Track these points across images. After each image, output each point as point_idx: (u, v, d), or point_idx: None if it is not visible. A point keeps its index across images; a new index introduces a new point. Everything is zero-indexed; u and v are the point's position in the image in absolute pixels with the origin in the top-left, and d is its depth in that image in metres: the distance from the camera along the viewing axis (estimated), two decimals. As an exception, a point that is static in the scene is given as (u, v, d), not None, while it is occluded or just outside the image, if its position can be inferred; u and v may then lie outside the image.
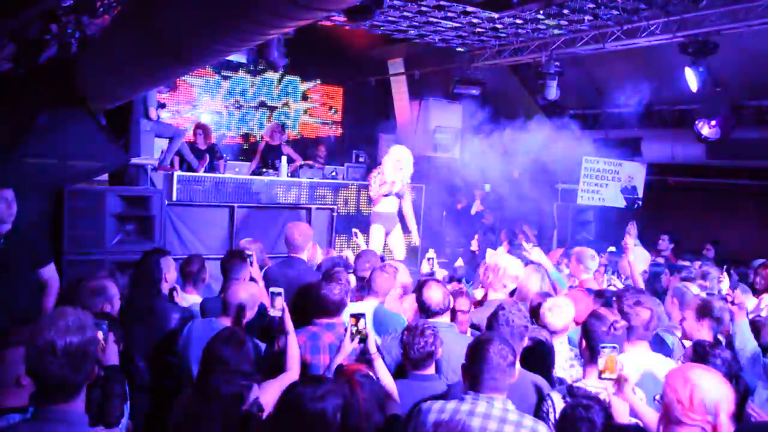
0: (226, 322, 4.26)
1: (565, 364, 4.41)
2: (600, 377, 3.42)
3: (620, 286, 6.49)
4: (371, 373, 3.54)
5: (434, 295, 4.40)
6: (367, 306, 4.97)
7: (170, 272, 5.27)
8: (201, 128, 10.68)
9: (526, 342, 4.04)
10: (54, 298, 5.33)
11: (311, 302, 4.37)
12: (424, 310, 4.42)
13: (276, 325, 4.15)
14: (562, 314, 4.54)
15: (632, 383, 3.38)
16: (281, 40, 9.29)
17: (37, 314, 5.10)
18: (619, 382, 3.38)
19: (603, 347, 3.45)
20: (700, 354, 3.82)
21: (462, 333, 4.65)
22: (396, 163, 8.20)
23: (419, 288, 4.52)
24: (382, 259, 6.20)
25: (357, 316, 3.84)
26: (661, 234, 10.23)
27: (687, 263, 8.09)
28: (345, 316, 4.20)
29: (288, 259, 5.88)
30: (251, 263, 5.31)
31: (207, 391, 3.05)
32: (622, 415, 3.35)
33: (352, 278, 5.86)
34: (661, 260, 8.80)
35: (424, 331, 3.77)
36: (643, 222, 10.04)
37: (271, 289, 4.06)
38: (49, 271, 5.33)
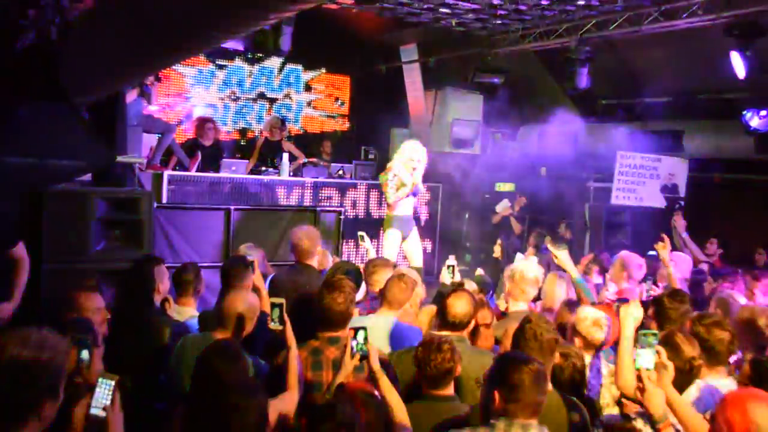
0: (224, 335, 4.27)
1: (605, 380, 4.40)
2: (636, 366, 3.41)
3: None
4: (377, 393, 3.54)
5: (459, 304, 4.39)
6: (381, 319, 4.97)
7: (163, 282, 5.29)
8: (211, 122, 10.70)
9: (556, 358, 4.04)
10: (26, 277, 5.60)
11: (313, 314, 4.36)
12: (446, 321, 4.41)
13: (275, 339, 4.16)
14: (608, 328, 4.57)
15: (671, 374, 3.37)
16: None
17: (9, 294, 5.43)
18: (658, 371, 3.37)
19: (643, 335, 3.44)
20: (760, 372, 3.73)
21: (486, 349, 4.64)
22: (409, 162, 8.16)
23: (445, 297, 4.51)
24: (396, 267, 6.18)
25: (356, 330, 3.83)
26: (711, 237, 10.16)
27: (737, 270, 8.04)
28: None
29: (296, 266, 5.90)
30: (253, 270, 5.32)
31: (225, 406, 3.00)
32: (657, 410, 3.34)
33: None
34: (704, 267, 8.74)
35: (440, 346, 3.75)
36: (686, 224, 10.01)
37: (271, 300, 4.06)
38: (20, 250, 5.62)
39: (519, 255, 7.45)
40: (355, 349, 3.80)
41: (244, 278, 5.20)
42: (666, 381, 3.36)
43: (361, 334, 3.82)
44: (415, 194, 8.37)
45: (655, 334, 3.46)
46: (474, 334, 4.67)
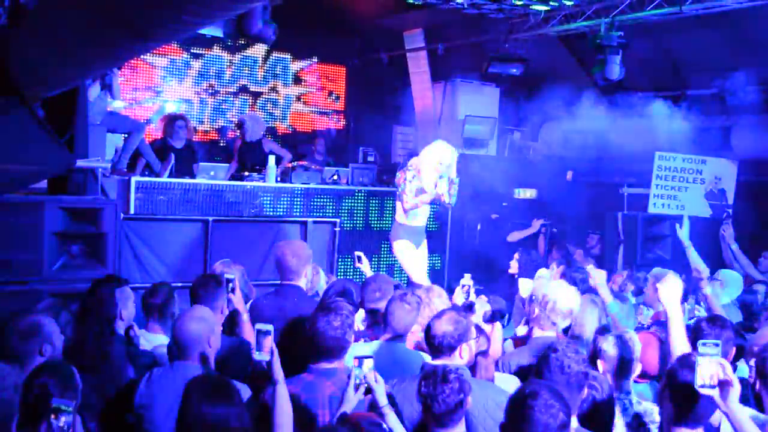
0: (193, 365, 4.27)
1: (634, 422, 4.38)
2: (700, 386, 3.39)
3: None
4: (384, 424, 3.53)
5: (438, 324, 4.42)
6: (384, 347, 4.96)
7: (127, 307, 5.27)
8: (183, 119, 10.69)
9: (585, 393, 4.03)
10: None
11: (304, 342, 4.34)
12: (429, 344, 4.46)
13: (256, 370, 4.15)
14: (633, 345, 4.59)
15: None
16: (267, 7, 9.31)
17: None
18: (723, 388, 3.35)
19: (703, 344, 3.41)
20: None
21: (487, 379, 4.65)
22: (438, 167, 7.98)
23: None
24: (397, 286, 6.16)
25: (361, 359, 3.82)
26: (764, 251, 10.12)
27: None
28: (349, 360, 4.21)
29: (280, 288, 5.88)
30: (233, 290, 5.30)
31: None
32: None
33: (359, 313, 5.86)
34: (760, 287, 8.70)
35: (446, 376, 3.74)
36: (735, 236, 9.97)
37: (257, 326, 4.03)
38: None
39: (541, 271, 7.39)
40: (359, 381, 3.79)
41: (216, 300, 5.20)
42: (732, 398, 3.33)
43: (366, 364, 3.81)
44: (433, 203, 8.23)
45: (717, 344, 3.42)
46: (473, 366, 4.67)
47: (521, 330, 6.05)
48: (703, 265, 7.90)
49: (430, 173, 7.95)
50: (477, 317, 5.82)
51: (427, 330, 4.46)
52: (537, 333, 5.45)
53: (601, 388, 4.21)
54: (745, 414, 3.45)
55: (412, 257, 8.12)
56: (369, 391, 3.82)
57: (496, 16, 11.57)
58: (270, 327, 4.00)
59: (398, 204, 8.18)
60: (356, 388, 3.82)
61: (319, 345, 4.23)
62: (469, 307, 5.96)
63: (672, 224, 11.14)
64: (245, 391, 4.21)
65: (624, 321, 6.13)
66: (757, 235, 10.75)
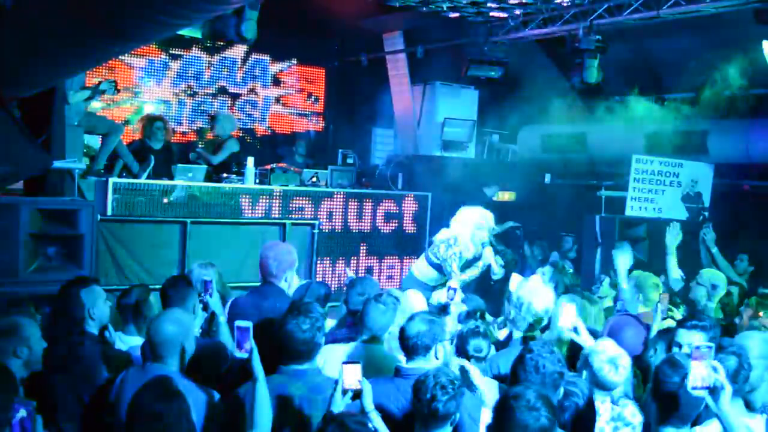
0: (166, 367, 4.27)
1: (607, 426, 4.40)
2: (692, 388, 3.43)
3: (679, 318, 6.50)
4: (369, 424, 3.56)
5: (412, 325, 4.42)
6: (356, 347, 4.97)
7: (97, 306, 5.24)
8: (161, 121, 10.64)
9: (561, 393, 4.05)
10: None
11: (275, 343, 4.35)
12: (404, 346, 4.46)
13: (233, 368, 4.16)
14: (625, 370, 4.56)
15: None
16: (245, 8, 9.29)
17: None
18: (715, 390, 3.38)
19: (696, 347, 3.46)
20: None
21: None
22: (479, 233, 7.83)
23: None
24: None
25: (350, 364, 3.83)
26: (739, 254, 10.19)
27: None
28: (320, 361, 4.27)
29: (261, 287, 5.90)
30: (210, 292, 5.30)
31: None
32: None
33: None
34: (734, 289, 8.77)
35: (441, 382, 3.79)
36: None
37: (237, 323, 4.04)
38: None
39: (515, 275, 7.36)
40: (345, 386, 3.80)
41: (186, 300, 5.20)
42: (724, 400, 3.37)
43: (352, 369, 3.82)
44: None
45: (709, 347, 3.47)
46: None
47: (501, 333, 6.06)
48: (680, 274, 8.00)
49: (470, 247, 7.82)
50: (452, 318, 5.85)
51: (401, 332, 4.45)
52: (516, 335, 5.48)
53: (582, 393, 4.23)
54: (737, 415, 3.49)
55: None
56: (357, 396, 3.83)
57: (475, 19, 11.61)
58: (249, 324, 4.01)
59: (422, 258, 8.12)
60: (343, 393, 3.83)
61: (289, 347, 4.24)
62: (443, 309, 5.98)
63: (650, 227, 11.24)
64: (214, 396, 4.23)
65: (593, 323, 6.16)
66: (731, 238, 10.81)
